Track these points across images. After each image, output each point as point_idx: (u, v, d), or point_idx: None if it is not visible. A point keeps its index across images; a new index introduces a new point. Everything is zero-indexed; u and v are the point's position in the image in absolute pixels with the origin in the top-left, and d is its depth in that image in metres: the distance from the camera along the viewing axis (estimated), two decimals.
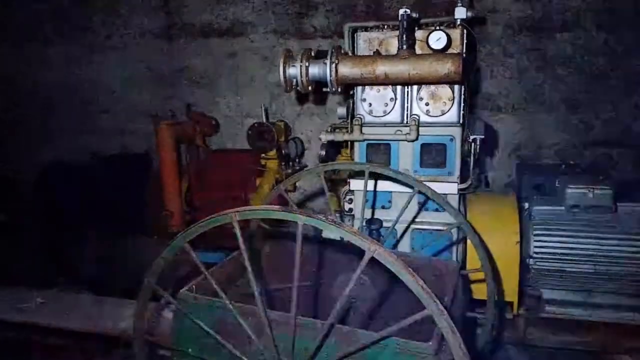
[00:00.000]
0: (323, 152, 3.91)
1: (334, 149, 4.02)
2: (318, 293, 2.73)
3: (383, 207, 3.37)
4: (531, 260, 3.23)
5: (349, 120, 3.48)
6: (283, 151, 4.61)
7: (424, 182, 2.71)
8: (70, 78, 5.90)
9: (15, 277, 3.97)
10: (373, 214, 3.37)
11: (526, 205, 3.40)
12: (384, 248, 1.58)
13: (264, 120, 4.63)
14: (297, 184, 5.25)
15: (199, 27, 5.43)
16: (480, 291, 3.03)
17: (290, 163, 4.78)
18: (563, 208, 3.25)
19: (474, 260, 3.19)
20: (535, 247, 3.22)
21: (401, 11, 2.81)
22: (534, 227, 3.26)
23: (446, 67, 2.70)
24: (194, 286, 2.06)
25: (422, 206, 3.30)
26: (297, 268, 1.72)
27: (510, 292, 3.24)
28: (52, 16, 5.78)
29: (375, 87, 3.19)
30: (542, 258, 3.21)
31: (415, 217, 3.25)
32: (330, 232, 2.71)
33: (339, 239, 2.80)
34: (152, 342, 2.48)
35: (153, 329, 2.65)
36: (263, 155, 4.66)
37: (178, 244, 1.82)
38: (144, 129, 5.77)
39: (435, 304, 1.51)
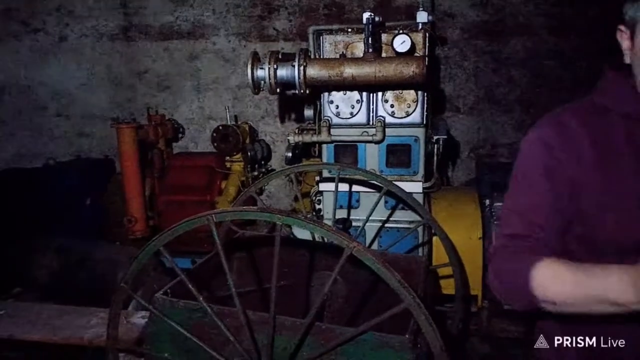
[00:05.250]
0: (289, 154, 3.93)
1: (299, 150, 4.05)
2: (290, 292, 2.75)
3: (351, 207, 3.44)
4: None
5: (316, 122, 3.53)
6: (249, 153, 4.59)
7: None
8: (23, 80, 5.67)
9: None
10: (348, 214, 3.44)
11: (487, 202, 3.53)
12: (362, 245, 1.63)
13: (229, 122, 4.61)
14: (263, 186, 5.25)
15: (159, 29, 5.34)
16: (446, 286, 3.14)
17: (256, 165, 4.77)
18: None
19: (439, 256, 3.29)
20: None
21: (366, 15, 2.87)
22: (495, 222, 3.39)
23: (411, 69, 2.79)
24: (168, 290, 2.04)
25: (390, 205, 3.38)
26: (276, 268, 1.74)
27: (475, 286, 3.37)
28: (1, 16, 5.54)
29: (342, 90, 3.26)
30: None
31: (389, 216, 3.33)
32: (303, 232, 2.72)
33: (310, 238, 2.83)
34: (124, 350, 2.44)
35: (122, 336, 2.60)
36: (228, 157, 4.63)
37: (154, 248, 1.81)
38: (102, 133, 5.62)
39: (413, 297, 1.57)
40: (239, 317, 1.76)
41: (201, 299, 1.78)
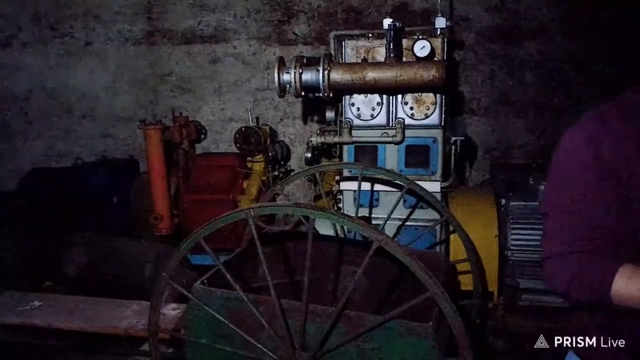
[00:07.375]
0: (309, 155, 4.06)
1: (318, 151, 4.18)
2: (315, 284, 2.87)
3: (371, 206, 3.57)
4: (509, 252, 3.47)
5: (337, 124, 3.66)
6: (269, 154, 4.75)
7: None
8: (50, 83, 5.88)
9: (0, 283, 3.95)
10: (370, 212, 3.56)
11: (503, 201, 3.64)
12: (390, 238, 1.76)
13: (251, 124, 4.76)
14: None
15: (182, 33, 5.52)
16: (464, 283, 3.25)
17: (276, 166, 4.93)
18: (537, 203, 3.50)
19: (456, 254, 3.41)
20: (513, 240, 3.46)
21: (388, 22, 3.00)
22: (511, 221, 3.50)
23: (431, 73, 2.92)
24: (205, 280, 2.18)
25: (409, 204, 3.50)
26: (309, 258, 1.87)
27: (491, 283, 3.47)
28: (31, 21, 5.76)
29: (363, 93, 3.39)
30: (518, 250, 3.45)
31: (410, 214, 3.44)
32: (326, 229, 2.85)
33: (333, 234, 2.97)
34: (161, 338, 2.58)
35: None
36: (249, 158, 4.78)
37: (196, 239, 1.95)
38: (125, 134, 5.82)
39: (438, 286, 1.69)
40: (274, 305, 1.89)
41: (238, 288, 1.92)
